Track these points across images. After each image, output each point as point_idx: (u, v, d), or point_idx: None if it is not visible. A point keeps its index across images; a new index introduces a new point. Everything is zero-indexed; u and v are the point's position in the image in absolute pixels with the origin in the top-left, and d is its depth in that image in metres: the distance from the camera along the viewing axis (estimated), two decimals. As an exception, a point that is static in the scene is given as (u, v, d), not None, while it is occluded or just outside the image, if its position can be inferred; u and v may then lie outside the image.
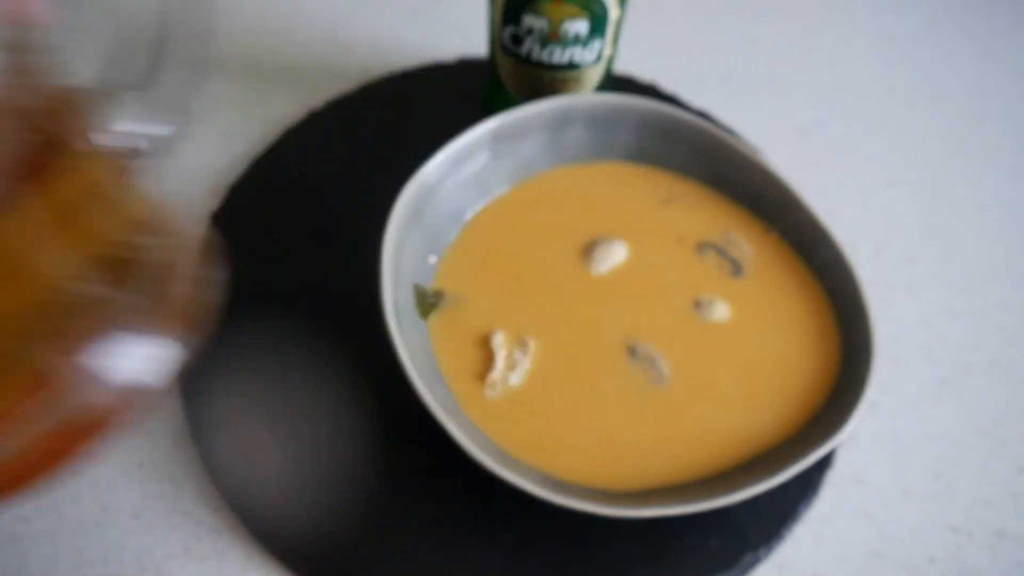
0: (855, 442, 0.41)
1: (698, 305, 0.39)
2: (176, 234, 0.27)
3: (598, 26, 0.41)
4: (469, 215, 0.41)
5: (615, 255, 0.40)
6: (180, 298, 0.26)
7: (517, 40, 0.42)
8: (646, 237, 0.41)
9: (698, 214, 0.42)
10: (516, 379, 0.36)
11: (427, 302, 0.38)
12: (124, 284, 0.24)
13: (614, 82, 0.53)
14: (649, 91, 0.53)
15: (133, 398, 0.24)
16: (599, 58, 0.43)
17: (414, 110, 0.51)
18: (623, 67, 0.56)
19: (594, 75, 0.44)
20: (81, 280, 0.23)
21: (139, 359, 0.24)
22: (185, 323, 0.25)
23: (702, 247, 0.41)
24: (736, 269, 0.40)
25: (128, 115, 0.24)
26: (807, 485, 0.39)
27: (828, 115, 0.55)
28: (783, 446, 0.35)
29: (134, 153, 0.24)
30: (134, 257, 0.24)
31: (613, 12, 0.40)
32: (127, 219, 0.25)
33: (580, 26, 0.40)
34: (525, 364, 0.37)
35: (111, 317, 0.23)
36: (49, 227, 0.22)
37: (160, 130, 0.25)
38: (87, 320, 0.23)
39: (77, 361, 0.22)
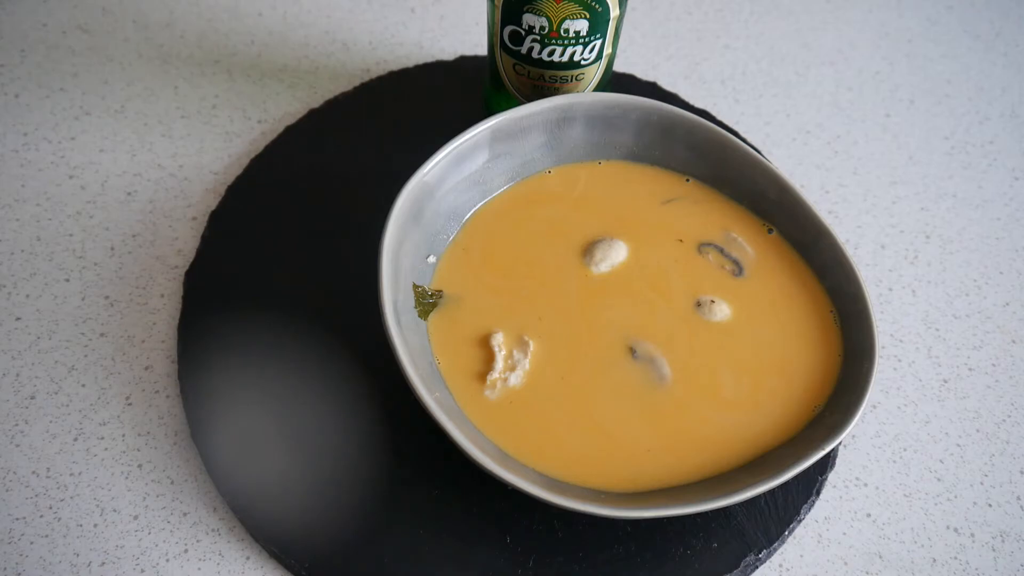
0: (856, 443, 0.41)
1: (699, 305, 0.39)
2: None
3: (598, 25, 0.40)
4: (469, 215, 0.41)
5: (615, 255, 0.40)
6: None
7: (517, 39, 0.41)
8: (646, 237, 0.41)
9: (699, 214, 0.42)
10: (516, 379, 0.36)
11: (426, 302, 0.38)
12: None
13: (614, 81, 0.53)
14: (649, 90, 0.53)
15: None
16: (599, 57, 0.43)
17: (414, 109, 0.51)
18: (623, 66, 0.56)
19: (594, 74, 0.44)
20: None
21: None
22: None
23: (703, 247, 0.41)
24: (737, 269, 0.40)
25: None
26: (808, 486, 0.38)
27: (829, 114, 0.55)
28: (784, 447, 0.35)
29: None
30: None
31: (613, 11, 0.40)
32: None
33: (580, 25, 0.40)
34: (525, 364, 0.37)
35: None
36: None
37: None
38: None
39: None
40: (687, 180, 0.43)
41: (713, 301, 0.39)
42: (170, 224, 0.46)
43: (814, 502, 0.39)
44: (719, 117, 0.54)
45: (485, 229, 0.41)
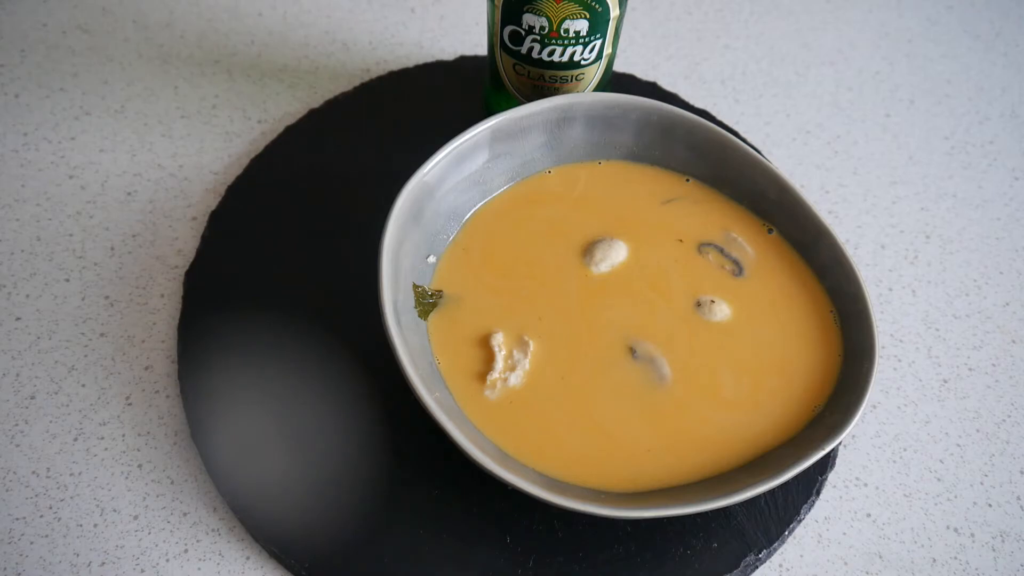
0: (856, 443, 0.41)
1: (699, 305, 0.39)
2: None
3: (598, 25, 0.40)
4: (469, 215, 0.41)
5: (615, 255, 0.40)
6: None
7: (517, 39, 0.41)
8: (646, 237, 0.41)
9: (699, 214, 0.42)
10: (516, 379, 0.36)
11: (426, 302, 0.38)
12: None
13: (614, 81, 0.53)
14: (649, 90, 0.53)
15: None
16: (599, 57, 0.43)
17: (414, 109, 0.51)
18: (623, 66, 0.56)
19: (594, 74, 0.44)
20: None
21: None
22: None
23: (703, 247, 0.41)
24: (737, 269, 0.40)
25: None
26: (808, 486, 0.38)
27: (829, 114, 0.55)
28: (784, 447, 0.35)
29: None
30: None
31: (613, 11, 0.40)
32: None
33: (580, 25, 0.40)
34: (525, 364, 0.37)
35: None
36: None
37: None
38: None
39: None
40: (687, 180, 0.43)
41: (713, 301, 0.39)
42: (170, 224, 0.46)
43: (814, 502, 0.39)
44: (719, 117, 0.54)
45: (485, 229, 0.41)
